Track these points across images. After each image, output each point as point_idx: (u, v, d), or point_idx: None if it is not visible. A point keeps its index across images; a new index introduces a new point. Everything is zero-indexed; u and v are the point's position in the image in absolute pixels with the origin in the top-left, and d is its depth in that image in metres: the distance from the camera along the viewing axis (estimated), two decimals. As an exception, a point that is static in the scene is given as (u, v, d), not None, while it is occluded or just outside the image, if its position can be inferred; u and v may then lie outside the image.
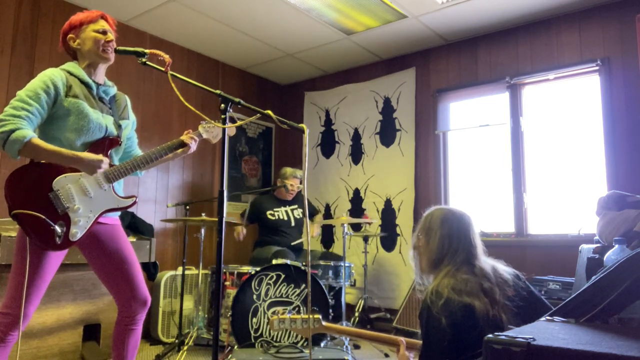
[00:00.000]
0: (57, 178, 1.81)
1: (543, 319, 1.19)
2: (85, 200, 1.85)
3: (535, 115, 3.98)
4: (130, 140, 2.15)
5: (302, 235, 4.14)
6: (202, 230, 3.47)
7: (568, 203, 3.73)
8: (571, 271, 2.98)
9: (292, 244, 4.02)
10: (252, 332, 2.98)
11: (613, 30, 3.58)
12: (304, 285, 3.09)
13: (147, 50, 1.83)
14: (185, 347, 3.20)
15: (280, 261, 3.18)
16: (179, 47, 4.50)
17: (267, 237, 4.02)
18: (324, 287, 3.15)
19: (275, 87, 5.53)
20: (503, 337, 0.93)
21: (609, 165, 3.50)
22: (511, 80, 3.99)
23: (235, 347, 2.93)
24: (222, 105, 1.70)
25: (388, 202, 4.58)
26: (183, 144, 2.08)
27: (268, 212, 4.05)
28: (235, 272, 3.38)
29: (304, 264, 3.34)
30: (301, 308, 3.06)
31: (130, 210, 3.56)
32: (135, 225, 3.50)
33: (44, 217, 1.75)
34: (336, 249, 4.89)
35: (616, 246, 2.10)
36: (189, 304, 3.90)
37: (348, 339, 3.46)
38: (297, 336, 3.01)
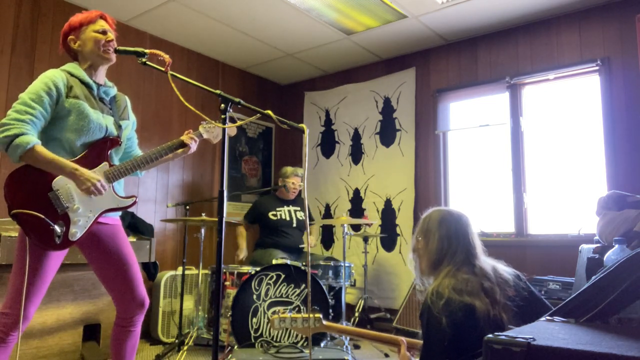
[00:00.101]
0: (57, 178, 1.81)
1: (543, 319, 1.19)
2: (85, 200, 1.85)
3: (535, 115, 3.98)
4: (130, 140, 2.15)
5: (304, 237, 4.14)
6: (202, 230, 3.47)
7: (568, 203, 3.73)
8: (571, 271, 2.98)
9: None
10: (252, 332, 2.98)
11: (613, 30, 3.58)
12: (304, 285, 3.09)
13: (147, 50, 1.83)
14: (185, 347, 3.21)
15: (280, 261, 3.18)
16: (179, 47, 4.50)
17: (268, 238, 4.02)
18: (324, 287, 3.15)
19: (275, 87, 5.53)
20: (503, 337, 0.93)
21: (609, 165, 3.50)
22: (511, 80, 3.99)
23: (235, 347, 2.93)
24: (222, 105, 1.70)
25: (388, 202, 4.58)
26: (183, 144, 2.08)
27: (270, 213, 4.05)
28: (235, 272, 3.38)
29: (304, 264, 3.34)
30: (301, 308, 3.06)
31: (130, 210, 3.55)
32: (135, 225, 3.50)
33: (43, 216, 1.75)
34: (336, 249, 4.89)
35: (616, 246, 2.10)
36: (189, 304, 3.90)
37: (348, 338, 3.46)
38: (297, 336, 3.01)
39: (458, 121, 4.36)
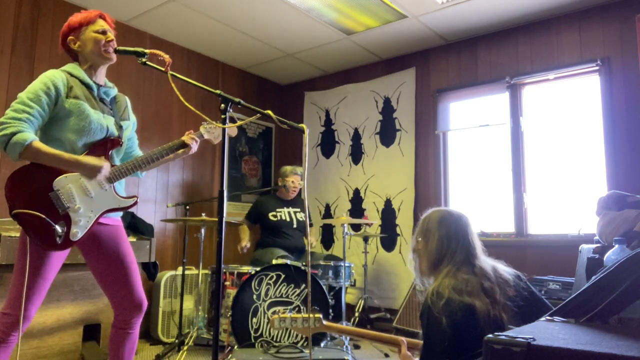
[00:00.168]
0: (58, 178, 1.81)
1: (543, 319, 1.19)
2: (86, 200, 1.85)
3: (535, 115, 3.98)
4: (131, 141, 2.15)
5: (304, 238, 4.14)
6: (202, 230, 3.47)
7: (568, 203, 3.73)
8: (571, 271, 2.98)
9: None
10: (252, 332, 2.98)
11: (613, 30, 3.58)
12: (304, 285, 3.09)
13: (147, 50, 1.83)
14: (185, 347, 3.21)
15: (280, 261, 3.18)
16: (179, 47, 4.50)
17: (269, 239, 4.02)
18: (324, 287, 3.15)
19: (275, 87, 5.53)
20: (503, 337, 0.93)
21: (609, 165, 3.50)
22: (511, 80, 3.99)
23: (235, 347, 2.93)
24: (222, 105, 1.70)
25: (388, 202, 4.58)
26: (184, 145, 2.08)
27: (270, 214, 4.05)
28: (235, 272, 3.38)
29: (304, 264, 3.34)
30: (301, 308, 3.06)
31: (130, 210, 3.56)
32: (135, 225, 3.50)
33: (44, 216, 1.75)
34: (336, 249, 4.89)
35: (616, 246, 2.10)
36: (189, 304, 3.90)
37: (348, 338, 3.46)
38: (297, 336, 3.01)
39: (458, 121, 4.36)
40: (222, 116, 1.70)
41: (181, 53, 4.52)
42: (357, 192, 4.82)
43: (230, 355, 2.67)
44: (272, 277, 3.08)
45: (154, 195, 4.21)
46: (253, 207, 4.20)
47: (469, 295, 1.51)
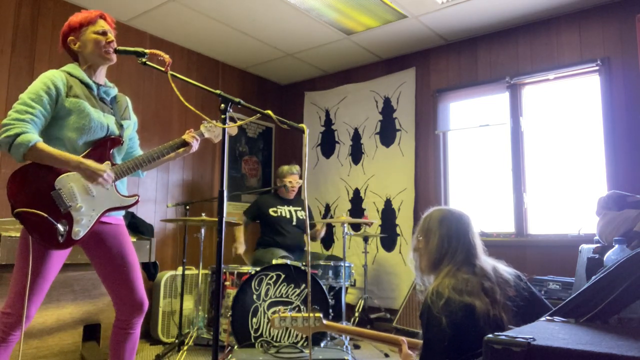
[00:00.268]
0: (60, 177, 1.81)
1: (543, 319, 1.19)
2: (87, 199, 1.85)
3: (535, 115, 3.98)
4: (132, 140, 2.15)
5: (304, 236, 4.14)
6: (202, 230, 3.47)
7: (568, 203, 3.73)
8: (571, 271, 2.98)
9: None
10: (252, 332, 2.98)
11: (613, 30, 3.58)
12: (304, 285, 3.09)
13: (147, 50, 1.83)
14: (185, 347, 3.20)
15: (280, 261, 3.18)
16: (179, 47, 4.50)
17: (269, 237, 4.02)
18: (324, 287, 3.15)
19: (275, 87, 5.53)
20: (503, 337, 0.93)
21: (609, 165, 3.50)
22: (511, 80, 3.99)
23: (235, 347, 2.93)
24: (222, 105, 1.70)
25: (388, 202, 4.58)
26: (185, 143, 2.08)
27: (271, 210, 4.05)
28: (235, 272, 3.38)
29: (304, 264, 3.34)
30: (301, 308, 3.06)
31: (130, 210, 3.56)
32: (135, 225, 3.50)
33: (46, 215, 1.75)
34: (336, 249, 4.89)
35: (616, 246, 2.10)
36: (189, 304, 3.90)
37: (348, 338, 3.46)
38: (297, 336, 3.01)
39: (458, 121, 4.36)
40: (222, 116, 1.70)
41: (181, 53, 4.52)
42: (357, 192, 4.82)
43: (230, 355, 2.67)
44: (272, 277, 3.08)
45: (154, 195, 4.21)
46: (253, 204, 4.20)
47: (469, 295, 1.51)
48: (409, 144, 4.52)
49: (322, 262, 3.67)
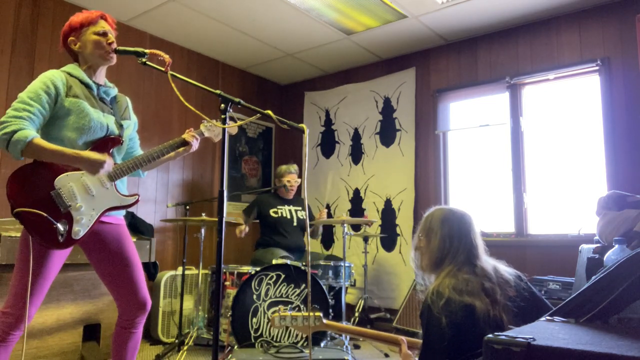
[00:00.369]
0: (59, 176, 1.81)
1: (543, 319, 1.19)
2: (87, 198, 1.85)
3: (535, 115, 3.98)
4: (132, 141, 2.16)
5: (304, 236, 4.14)
6: (202, 230, 3.47)
7: (568, 203, 3.73)
8: (571, 271, 2.98)
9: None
10: (252, 332, 2.98)
11: (613, 30, 3.58)
12: (304, 285, 3.09)
13: (147, 50, 1.83)
14: (185, 347, 3.21)
15: (280, 261, 3.18)
16: (179, 47, 4.50)
17: (268, 238, 4.02)
18: (324, 287, 3.15)
19: (275, 87, 5.53)
20: (503, 337, 0.93)
21: (609, 165, 3.50)
22: (511, 80, 3.99)
23: (235, 347, 2.93)
24: (222, 105, 1.71)
25: (388, 202, 4.58)
26: (185, 142, 2.09)
27: (271, 210, 4.05)
28: (235, 272, 3.38)
29: (304, 264, 3.34)
30: (301, 308, 3.06)
31: (130, 210, 3.56)
32: (135, 225, 3.50)
33: (46, 215, 1.75)
34: (336, 249, 4.89)
35: (616, 246, 2.10)
36: (189, 304, 3.90)
37: (348, 338, 3.46)
38: (297, 336, 3.01)
39: (458, 121, 4.36)
40: (222, 116, 1.70)
41: (181, 53, 4.52)
42: (357, 192, 4.82)
43: (230, 355, 2.67)
44: (272, 277, 3.08)
45: (154, 195, 4.21)
46: (252, 203, 4.18)
47: (469, 295, 1.51)
48: (409, 144, 4.52)
49: (322, 262, 3.67)
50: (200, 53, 4.68)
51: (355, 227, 4.64)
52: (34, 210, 1.74)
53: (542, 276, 3.25)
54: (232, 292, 3.20)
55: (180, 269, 3.73)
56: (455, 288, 1.53)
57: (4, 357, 1.76)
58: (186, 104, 1.79)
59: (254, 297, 3.03)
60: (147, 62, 1.81)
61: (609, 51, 3.58)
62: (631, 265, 1.15)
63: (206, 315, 3.64)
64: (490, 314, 1.49)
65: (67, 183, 1.82)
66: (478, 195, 4.19)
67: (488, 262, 1.68)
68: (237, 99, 1.72)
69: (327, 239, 4.98)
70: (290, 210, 4.11)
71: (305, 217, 4.14)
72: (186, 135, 2.10)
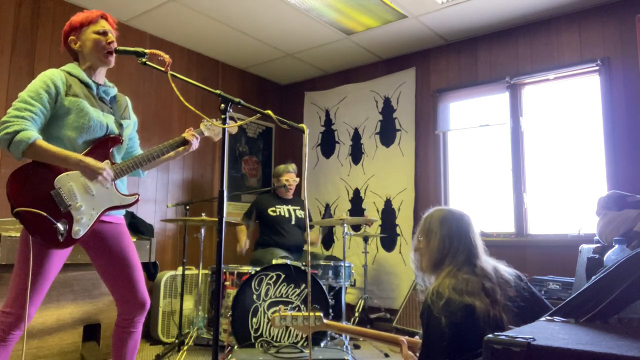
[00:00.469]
0: (59, 176, 1.81)
1: (543, 319, 1.19)
2: (87, 198, 1.85)
3: (535, 115, 3.98)
4: (132, 140, 2.16)
5: (304, 236, 4.14)
6: (202, 230, 3.47)
7: (568, 203, 3.73)
8: (571, 271, 2.98)
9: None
10: (252, 332, 2.98)
11: (613, 30, 3.58)
12: (304, 285, 3.09)
13: (147, 50, 1.83)
14: (185, 347, 3.21)
15: (280, 261, 3.18)
16: (179, 47, 4.50)
17: (267, 237, 4.02)
18: (324, 287, 3.15)
19: (275, 87, 5.53)
20: (503, 337, 0.93)
21: (609, 165, 3.50)
22: (511, 80, 3.99)
23: (235, 347, 2.93)
24: (222, 105, 1.70)
25: (388, 202, 4.58)
26: (185, 142, 2.09)
27: (270, 209, 4.05)
28: (235, 272, 3.38)
29: (304, 264, 3.34)
30: (301, 308, 3.06)
31: (130, 210, 3.56)
32: (135, 225, 3.50)
33: (46, 214, 1.75)
34: (336, 249, 4.89)
35: (616, 246, 2.10)
36: (189, 304, 3.90)
37: (348, 338, 3.46)
38: (297, 336, 3.01)
39: (458, 121, 4.36)
40: (222, 116, 1.70)
41: (181, 53, 4.52)
42: (357, 192, 4.82)
43: (230, 355, 2.67)
44: (272, 277, 3.08)
45: (154, 195, 4.21)
46: (252, 204, 4.20)
47: (469, 295, 1.51)
48: (409, 144, 4.52)
49: (322, 262, 3.67)
50: (200, 53, 4.68)
51: (355, 227, 4.64)
52: (34, 210, 1.74)
53: (542, 276, 3.25)
54: (232, 292, 3.20)
55: (180, 269, 3.73)
56: (455, 288, 1.53)
57: (4, 356, 1.76)
58: (186, 104, 1.79)
59: (254, 297, 3.03)
60: (147, 62, 1.81)
61: (609, 51, 3.58)
62: (631, 265, 1.15)
63: (206, 315, 3.64)
64: (490, 314, 1.49)
65: (67, 182, 1.82)
66: (478, 195, 4.19)
67: (488, 262, 1.68)
68: (237, 99, 1.72)
69: (327, 239, 4.98)
70: (288, 210, 4.11)
71: (303, 216, 4.15)
72: (186, 135, 2.10)
